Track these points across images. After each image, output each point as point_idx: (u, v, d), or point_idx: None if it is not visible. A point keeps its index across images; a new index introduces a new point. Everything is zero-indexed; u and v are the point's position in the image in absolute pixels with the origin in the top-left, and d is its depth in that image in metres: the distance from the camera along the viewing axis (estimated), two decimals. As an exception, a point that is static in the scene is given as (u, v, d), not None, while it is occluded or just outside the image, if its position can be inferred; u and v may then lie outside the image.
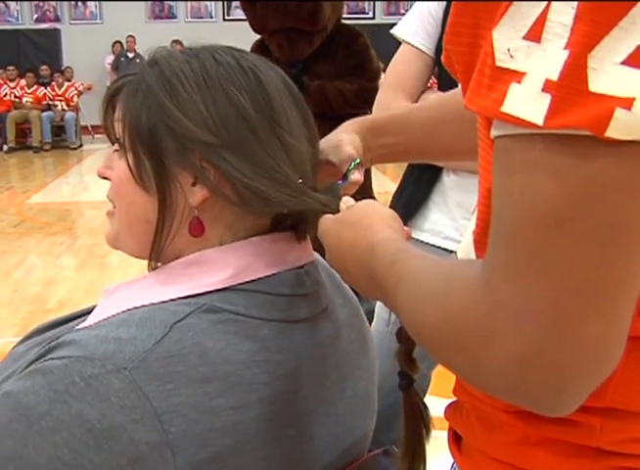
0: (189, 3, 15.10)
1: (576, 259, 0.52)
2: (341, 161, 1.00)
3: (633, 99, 0.48)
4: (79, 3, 15.03)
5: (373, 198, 1.01)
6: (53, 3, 15.00)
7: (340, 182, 0.98)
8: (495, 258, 0.56)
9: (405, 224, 2.05)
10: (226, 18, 14.95)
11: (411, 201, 1.97)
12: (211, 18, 15.14)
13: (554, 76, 0.50)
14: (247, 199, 0.88)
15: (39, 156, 12.74)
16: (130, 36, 14.19)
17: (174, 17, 15.22)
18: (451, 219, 1.91)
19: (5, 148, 12.93)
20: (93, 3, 15.00)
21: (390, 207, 1.99)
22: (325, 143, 1.01)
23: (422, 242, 1.93)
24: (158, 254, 0.93)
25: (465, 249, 0.76)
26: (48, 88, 13.68)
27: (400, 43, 1.95)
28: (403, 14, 3.02)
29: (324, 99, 2.92)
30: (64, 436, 0.77)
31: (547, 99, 0.50)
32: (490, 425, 0.73)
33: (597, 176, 0.50)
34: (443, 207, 1.93)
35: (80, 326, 0.90)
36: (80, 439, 0.77)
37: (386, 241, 0.77)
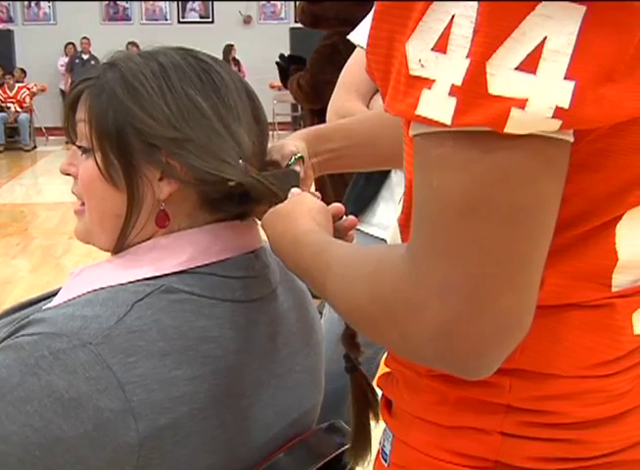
0: (143, 5, 15.05)
1: (489, 239, 0.59)
2: (283, 156, 1.06)
3: (526, 100, 0.56)
4: (32, 4, 14.91)
5: None
6: (5, 4, 14.86)
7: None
8: (418, 241, 0.63)
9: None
10: (181, 20, 14.90)
11: (361, 196, 2.05)
12: (166, 20, 15.08)
13: (458, 82, 0.57)
14: (209, 184, 0.95)
15: (-8, 157, 12.64)
16: (85, 38, 14.09)
17: (129, 19, 15.14)
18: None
19: (-42, 150, 12.78)
20: (47, 4, 14.89)
21: (343, 202, 2.09)
22: (271, 147, 1.08)
23: (370, 235, 2.02)
24: (123, 244, 1.00)
25: (392, 235, 0.85)
26: (1, 90, 13.55)
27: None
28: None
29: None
30: (34, 405, 0.84)
31: (453, 102, 0.58)
32: (415, 388, 0.81)
33: (500, 165, 0.58)
34: (390, 201, 2.02)
35: (48, 306, 0.98)
36: (50, 407, 0.84)
37: (308, 233, 0.85)
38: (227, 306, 0.97)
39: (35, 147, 13.63)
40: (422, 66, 0.59)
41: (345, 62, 3.25)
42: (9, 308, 1.09)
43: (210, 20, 14.81)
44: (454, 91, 0.58)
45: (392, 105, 0.63)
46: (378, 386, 0.89)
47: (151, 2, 15.08)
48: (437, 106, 0.58)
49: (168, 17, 15.11)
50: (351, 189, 2.10)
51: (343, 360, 1.00)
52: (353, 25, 3.11)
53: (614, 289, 0.72)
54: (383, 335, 0.68)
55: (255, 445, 1.00)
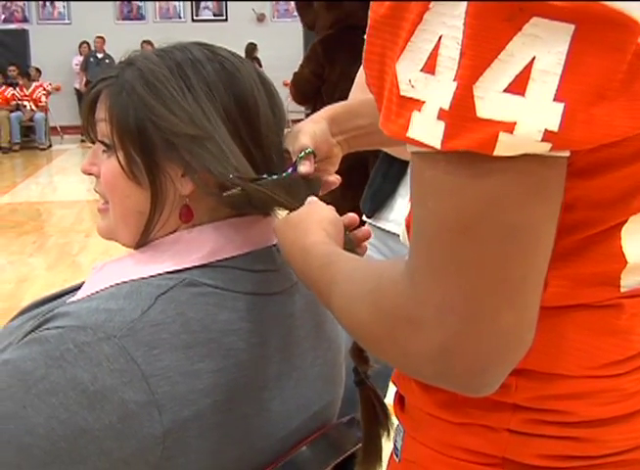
0: (157, 4, 15.07)
1: (485, 259, 0.59)
2: (294, 150, 1.04)
3: (514, 123, 0.55)
4: (47, 3, 14.96)
5: None
6: (20, 3, 14.91)
7: (289, 170, 1.01)
8: (417, 260, 0.63)
9: (373, 215, 2.10)
10: (195, 18, 14.92)
11: (379, 193, 2.05)
12: (180, 18, 15.10)
13: (446, 106, 0.57)
14: (224, 187, 0.95)
15: (8, 156, 12.65)
16: (99, 37, 14.13)
17: (143, 17, 15.16)
18: None
19: (-26, 149, 12.83)
20: (61, 3, 14.93)
21: (363, 199, 2.09)
22: (288, 132, 1.06)
23: (387, 231, 2.02)
24: (146, 239, 1.01)
25: (402, 234, 0.85)
26: (16, 89, 13.61)
27: None
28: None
29: None
30: (60, 397, 0.85)
31: (442, 126, 0.57)
32: (425, 386, 0.81)
33: (493, 188, 0.58)
34: (407, 197, 2.01)
35: (71, 300, 0.98)
36: (75, 399, 0.85)
37: (317, 244, 0.84)
38: (249, 300, 0.97)
39: (51, 146, 13.69)
40: (412, 86, 0.59)
41: (319, 60, 3.50)
42: (33, 302, 1.10)
43: (224, 18, 14.83)
44: (442, 115, 0.57)
45: (386, 124, 0.63)
46: (393, 382, 0.89)
47: (165, 1, 15.11)
48: (427, 129, 0.58)
49: (182, 15, 15.13)
50: (369, 187, 2.10)
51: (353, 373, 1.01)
52: (331, 28, 3.33)
53: (622, 289, 0.72)
54: (386, 352, 0.68)
55: (276, 437, 1.00)
